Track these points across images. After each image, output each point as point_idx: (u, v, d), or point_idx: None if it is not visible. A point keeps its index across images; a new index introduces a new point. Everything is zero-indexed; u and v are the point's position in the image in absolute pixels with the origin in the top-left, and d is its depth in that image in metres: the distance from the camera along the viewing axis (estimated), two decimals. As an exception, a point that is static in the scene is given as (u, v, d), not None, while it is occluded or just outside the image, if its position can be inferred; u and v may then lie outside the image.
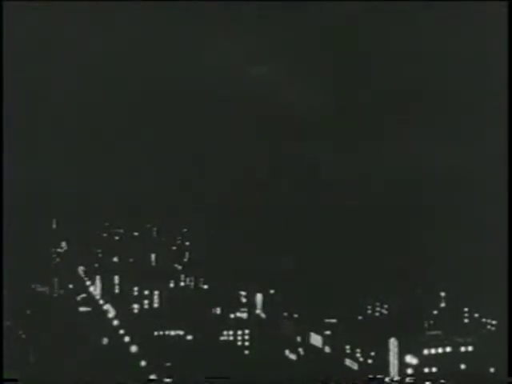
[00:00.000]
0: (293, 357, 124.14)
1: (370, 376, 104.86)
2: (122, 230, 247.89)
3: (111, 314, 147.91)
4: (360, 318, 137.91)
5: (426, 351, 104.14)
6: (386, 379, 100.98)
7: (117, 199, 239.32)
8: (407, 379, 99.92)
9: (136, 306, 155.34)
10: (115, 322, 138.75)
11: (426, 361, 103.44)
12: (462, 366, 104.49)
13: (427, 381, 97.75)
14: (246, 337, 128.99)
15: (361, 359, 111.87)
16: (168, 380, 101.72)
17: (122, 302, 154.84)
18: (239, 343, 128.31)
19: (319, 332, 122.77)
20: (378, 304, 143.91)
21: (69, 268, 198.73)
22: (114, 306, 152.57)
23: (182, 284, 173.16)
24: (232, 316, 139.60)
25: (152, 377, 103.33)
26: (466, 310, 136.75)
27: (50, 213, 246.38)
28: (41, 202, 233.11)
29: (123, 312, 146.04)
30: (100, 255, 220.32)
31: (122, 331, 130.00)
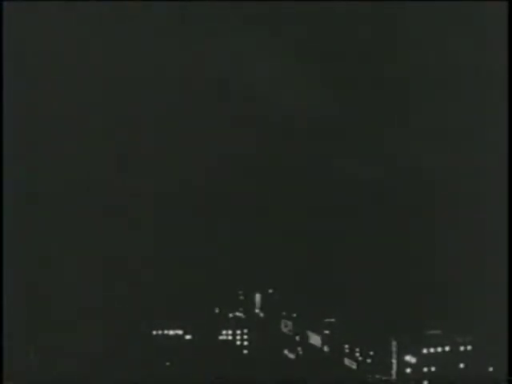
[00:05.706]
0: (292, 356, 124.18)
1: (370, 376, 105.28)
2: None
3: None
4: (359, 317, 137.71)
5: (425, 350, 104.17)
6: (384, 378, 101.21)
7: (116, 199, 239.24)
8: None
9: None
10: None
11: (425, 360, 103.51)
12: (461, 365, 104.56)
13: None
14: (245, 336, 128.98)
15: (360, 358, 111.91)
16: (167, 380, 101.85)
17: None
18: (238, 343, 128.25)
19: (318, 331, 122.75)
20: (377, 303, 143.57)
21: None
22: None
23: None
24: (231, 315, 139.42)
25: (151, 376, 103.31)
26: (465, 309, 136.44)
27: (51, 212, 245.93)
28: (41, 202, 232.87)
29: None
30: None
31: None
